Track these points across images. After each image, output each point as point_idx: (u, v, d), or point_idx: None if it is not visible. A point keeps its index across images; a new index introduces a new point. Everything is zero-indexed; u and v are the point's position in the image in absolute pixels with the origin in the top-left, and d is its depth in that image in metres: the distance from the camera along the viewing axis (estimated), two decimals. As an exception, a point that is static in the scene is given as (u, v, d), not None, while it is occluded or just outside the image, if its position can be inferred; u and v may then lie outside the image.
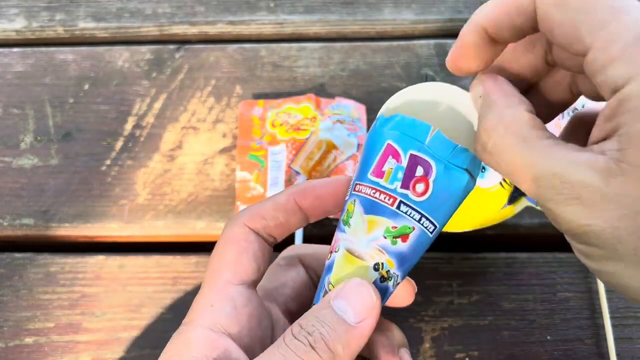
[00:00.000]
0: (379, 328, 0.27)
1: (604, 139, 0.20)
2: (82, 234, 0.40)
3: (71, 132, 0.43)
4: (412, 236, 0.22)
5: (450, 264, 0.37)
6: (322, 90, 0.44)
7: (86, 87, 0.45)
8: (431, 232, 0.23)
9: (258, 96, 0.44)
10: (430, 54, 0.45)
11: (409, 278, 0.26)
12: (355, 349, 0.23)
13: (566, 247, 0.21)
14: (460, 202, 0.23)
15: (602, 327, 0.35)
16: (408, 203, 0.22)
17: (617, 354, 0.33)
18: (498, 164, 0.21)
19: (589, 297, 0.36)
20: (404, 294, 0.26)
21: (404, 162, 0.22)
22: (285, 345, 0.22)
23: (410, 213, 0.22)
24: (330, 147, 0.40)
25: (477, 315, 0.36)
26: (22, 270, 0.38)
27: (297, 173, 0.40)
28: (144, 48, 0.47)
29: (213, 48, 0.46)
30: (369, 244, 0.23)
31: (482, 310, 0.36)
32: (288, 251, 0.30)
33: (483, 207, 0.35)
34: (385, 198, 0.22)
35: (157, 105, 0.44)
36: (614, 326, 0.34)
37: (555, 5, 0.20)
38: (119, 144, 0.43)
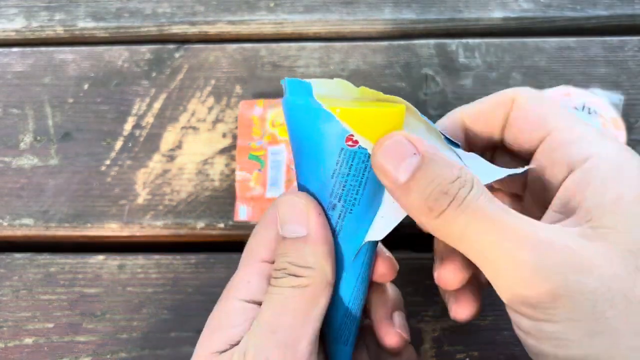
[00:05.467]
0: (373, 289, 0.28)
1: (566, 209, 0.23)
2: (82, 234, 0.40)
3: (71, 132, 0.43)
4: None
5: (450, 264, 0.37)
6: (322, 90, 0.44)
7: (86, 87, 0.45)
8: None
9: (258, 96, 0.44)
10: (431, 54, 0.45)
11: (389, 256, 0.27)
12: (325, 252, 0.24)
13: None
14: (306, 131, 0.24)
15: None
16: None
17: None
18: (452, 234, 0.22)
19: (589, 297, 0.36)
20: (381, 268, 0.27)
21: None
22: (270, 287, 0.24)
23: None
24: (330, 147, 0.40)
25: (477, 316, 0.36)
26: (21, 270, 0.38)
27: (297, 173, 0.40)
28: (143, 48, 0.46)
29: (213, 48, 0.46)
30: None
31: (482, 310, 0.36)
32: None
33: None
34: None
35: (157, 105, 0.44)
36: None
37: (532, 98, 0.26)
38: (119, 144, 0.43)
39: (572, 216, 0.22)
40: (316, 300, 0.23)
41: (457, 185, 0.21)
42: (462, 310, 0.27)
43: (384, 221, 0.25)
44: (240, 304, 0.24)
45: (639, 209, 0.20)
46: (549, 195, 0.24)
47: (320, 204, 0.25)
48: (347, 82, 0.24)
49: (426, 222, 0.22)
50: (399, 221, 0.25)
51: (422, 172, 0.21)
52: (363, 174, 0.24)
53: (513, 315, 0.22)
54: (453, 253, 0.26)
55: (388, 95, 0.24)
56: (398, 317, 0.28)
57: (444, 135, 0.25)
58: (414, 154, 0.22)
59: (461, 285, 0.26)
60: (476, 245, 0.21)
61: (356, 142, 0.23)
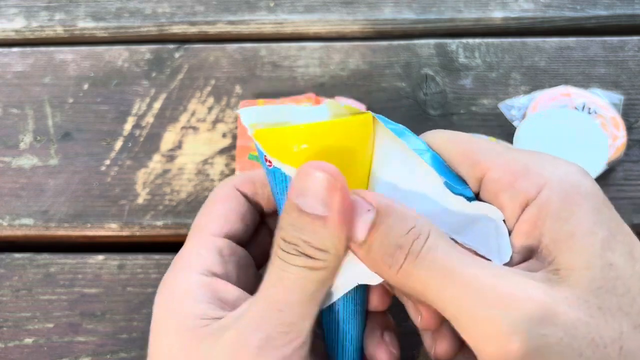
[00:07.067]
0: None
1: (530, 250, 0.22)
2: (81, 234, 0.40)
3: (71, 132, 0.43)
4: None
5: (450, 264, 0.37)
6: (322, 90, 0.44)
7: (86, 87, 0.45)
8: None
9: (258, 96, 0.44)
10: (430, 54, 0.45)
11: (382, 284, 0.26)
12: (344, 237, 0.22)
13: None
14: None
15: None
16: None
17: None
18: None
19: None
20: (377, 298, 0.25)
21: None
22: (279, 260, 0.22)
23: None
24: (330, 147, 0.40)
25: (477, 316, 0.36)
26: (21, 270, 0.38)
27: (297, 173, 0.40)
28: (143, 48, 0.46)
29: (213, 48, 0.46)
30: None
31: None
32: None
33: None
34: None
35: (157, 105, 0.44)
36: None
37: (449, 141, 0.24)
38: (119, 144, 0.43)
39: (534, 257, 0.21)
40: (326, 282, 0.22)
41: (411, 237, 0.20)
42: None
43: None
44: (197, 277, 0.24)
45: (592, 242, 0.19)
46: None
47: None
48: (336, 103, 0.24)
49: (391, 281, 0.21)
50: None
51: (377, 227, 0.21)
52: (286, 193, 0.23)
53: None
54: (440, 326, 0.24)
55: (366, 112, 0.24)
56: (388, 338, 0.26)
57: (440, 166, 0.24)
58: (368, 210, 0.21)
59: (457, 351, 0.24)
60: (438, 300, 0.20)
61: (271, 161, 0.23)
